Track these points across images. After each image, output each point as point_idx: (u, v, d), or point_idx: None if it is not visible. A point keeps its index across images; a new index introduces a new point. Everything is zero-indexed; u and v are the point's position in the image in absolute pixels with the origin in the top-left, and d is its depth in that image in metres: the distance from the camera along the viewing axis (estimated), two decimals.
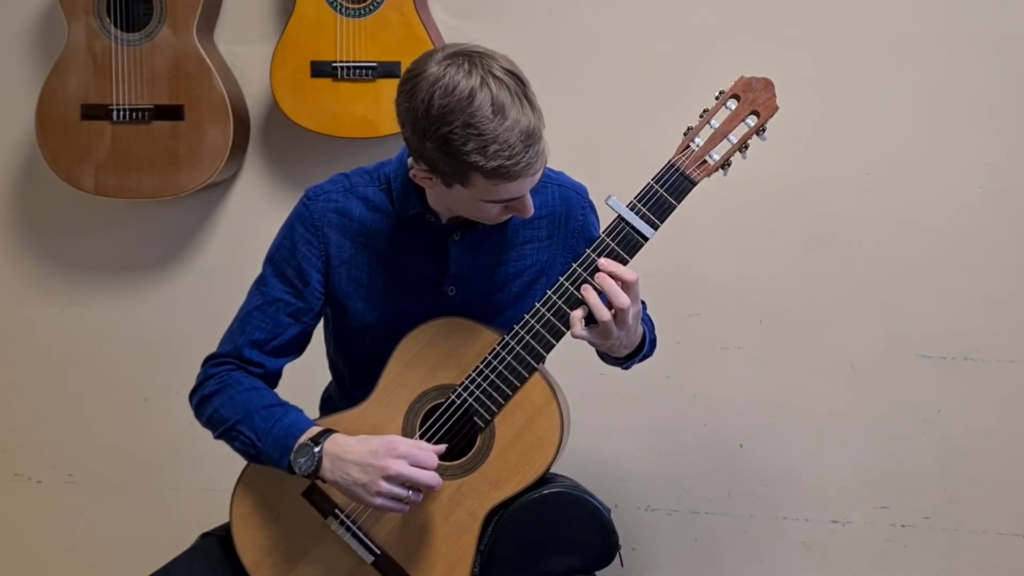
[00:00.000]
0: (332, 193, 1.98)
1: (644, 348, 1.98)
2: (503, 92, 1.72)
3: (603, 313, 1.81)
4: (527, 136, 1.73)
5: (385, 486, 1.82)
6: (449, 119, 1.72)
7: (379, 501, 1.83)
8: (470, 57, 1.74)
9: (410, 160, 1.88)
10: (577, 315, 1.83)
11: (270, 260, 2.00)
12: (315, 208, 1.97)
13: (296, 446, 1.86)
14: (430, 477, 1.84)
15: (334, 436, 1.87)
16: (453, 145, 1.72)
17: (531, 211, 1.87)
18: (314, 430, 1.88)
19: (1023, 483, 2.68)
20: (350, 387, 2.08)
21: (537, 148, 1.76)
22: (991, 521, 2.70)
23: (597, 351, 1.98)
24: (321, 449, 1.85)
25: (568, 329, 1.85)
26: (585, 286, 1.83)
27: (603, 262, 1.83)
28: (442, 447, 1.87)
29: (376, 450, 1.83)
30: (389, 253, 1.97)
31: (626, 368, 2.04)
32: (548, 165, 2.05)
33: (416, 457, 1.83)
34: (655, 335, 2.06)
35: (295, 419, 1.91)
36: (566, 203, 2.04)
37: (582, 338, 1.85)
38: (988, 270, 2.65)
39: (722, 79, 1.92)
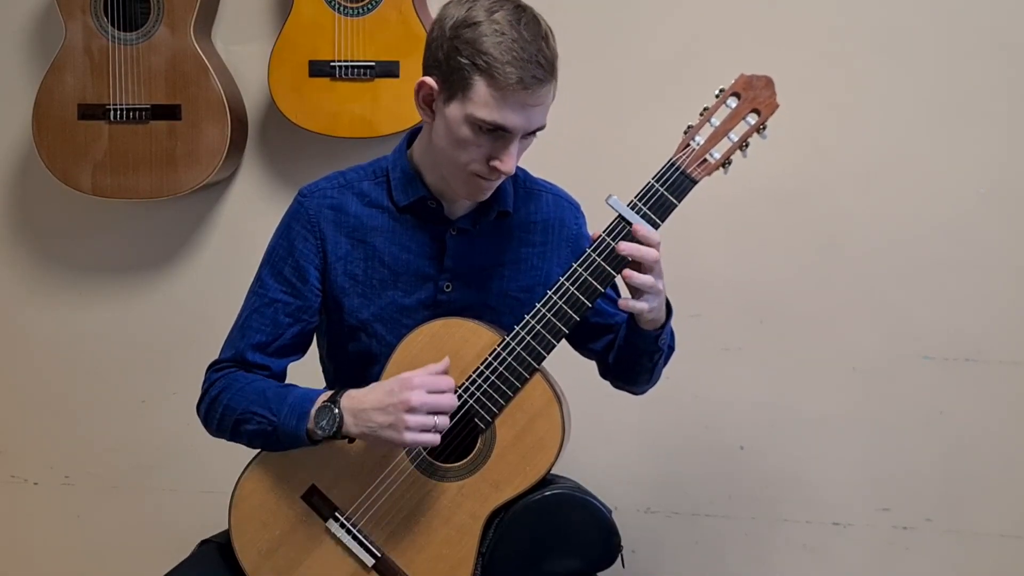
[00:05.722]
0: (327, 189, 1.98)
1: (670, 319, 1.98)
2: (528, 22, 1.78)
3: (640, 279, 1.82)
4: (541, 55, 1.76)
5: (412, 419, 1.79)
6: (470, 21, 1.77)
7: (410, 436, 1.80)
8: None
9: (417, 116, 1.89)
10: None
11: (267, 261, 2.00)
12: (310, 205, 1.97)
13: (314, 410, 1.85)
14: (450, 400, 1.82)
15: (348, 392, 1.86)
16: (467, 39, 1.76)
17: (513, 166, 1.85)
18: (327, 393, 1.88)
19: None
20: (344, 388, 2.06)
21: (547, 71, 1.78)
22: (993, 523, 2.69)
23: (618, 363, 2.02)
24: (339, 407, 1.84)
25: (568, 329, 1.85)
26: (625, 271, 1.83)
27: (623, 246, 1.82)
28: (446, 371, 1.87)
29: (391, 389, 1.81)
30: (385, 248, 1.97)
31: (650, 380, 2.06)
32: (544, 177, 2.07)
33: (432, 384, 1.82)
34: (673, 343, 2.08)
35: (307, 390, 1.91)
36: (559, 210, 2.05)
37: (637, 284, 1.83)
38: (990, 271, 2.64)
39: (722, 77, 1.91)
